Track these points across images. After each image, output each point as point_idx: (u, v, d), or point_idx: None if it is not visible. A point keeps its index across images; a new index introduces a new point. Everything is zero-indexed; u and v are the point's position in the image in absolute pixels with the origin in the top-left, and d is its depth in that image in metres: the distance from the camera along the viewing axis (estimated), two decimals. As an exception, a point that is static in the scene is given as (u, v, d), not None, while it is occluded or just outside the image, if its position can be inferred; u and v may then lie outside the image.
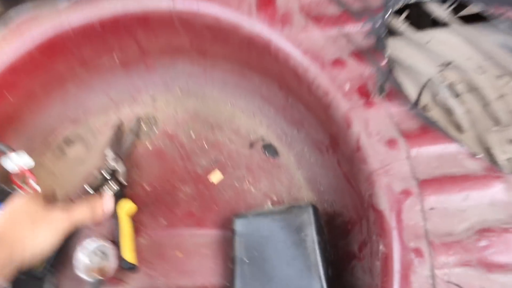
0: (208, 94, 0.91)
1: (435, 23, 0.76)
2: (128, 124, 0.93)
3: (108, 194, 0.76)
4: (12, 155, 0.78)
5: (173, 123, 0.90)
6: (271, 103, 0.86)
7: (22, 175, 0.80)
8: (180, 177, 0.84)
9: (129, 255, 0.76)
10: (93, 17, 0.82)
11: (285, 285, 0.67)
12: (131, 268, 0.76)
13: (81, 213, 0.67)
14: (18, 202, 0.63)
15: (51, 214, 0.64)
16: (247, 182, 0.82)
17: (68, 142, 0.94)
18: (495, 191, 0.55)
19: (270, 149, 0.86)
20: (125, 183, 0.82)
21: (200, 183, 0.84)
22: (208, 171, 0.84)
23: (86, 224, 0.74)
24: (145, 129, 0.91)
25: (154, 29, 0.84)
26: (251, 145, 0.86)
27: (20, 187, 0.78)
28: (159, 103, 0.93)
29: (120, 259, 0.75)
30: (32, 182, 0.80)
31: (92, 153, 0.91)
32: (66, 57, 0.88)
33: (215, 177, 0.84)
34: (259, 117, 0.89)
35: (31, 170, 0.80)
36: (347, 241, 0.74)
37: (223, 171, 0.84)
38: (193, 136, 0.87)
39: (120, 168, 0.83)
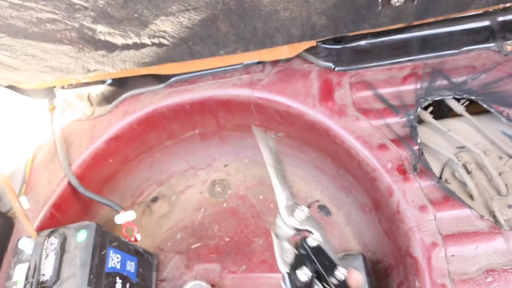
0: (271, 163, 1.26)
1: (450, 110, 1.12)
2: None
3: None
4: (122, 213, 1.12)
5: (244, 186, 1.24)
6: (324, 173, 1.21)
7: (127, 227, 1.13)
8: (252, 231, 1.18)
9: None
10: (185, 99, 1.18)
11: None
12: None
13: None
14: None
15: None
16: (307, 235, 1.16)
17: (154, 199, 1.28)
18: (497, 242, 0.87)
19: (324, 209, 1.20)
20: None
21: (270, 236, 1.16)
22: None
23: None
24: (219, 190, 1.26)
25: (232, 110, 1.20)
26: (309, 206, 1.21)
27: (127, 237, 1.11)
28: (230, 169, 1.28)
29: None
30: (135, 233, 1.13)
31: (174, 209, 1.25)
32: (158, 130, 1.24)
33: (281, 231, 1.17)
34: (314, 184, 1.24)
35: (132, 221, 1.13)
36: (387, 282, 1.06)
37: (287, 226, 1.17)
38: (261, 198, 1.21)
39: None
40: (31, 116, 1.29)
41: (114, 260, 1.02)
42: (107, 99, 1.24)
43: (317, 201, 1.22)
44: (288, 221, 0.62)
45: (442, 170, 1.04)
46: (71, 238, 0.99)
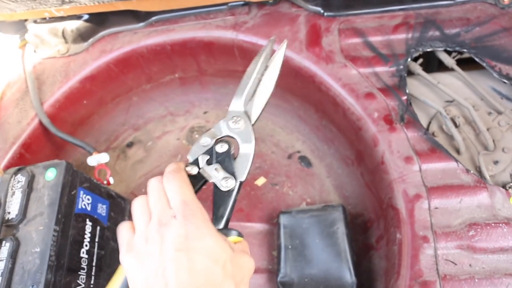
0: (252, 111, 1.21)
1: (440, 65, 1.08)
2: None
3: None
4: (95, 155, 1.06)
5: (223, 134, 1.18)
6: (307, 123, 1.16)
7: (99, 169, 1.07)
8: (230, 179, 1.13)
9: None
10: (166, 39, 1.11)
11: (321, 266, 0.95)
12: None
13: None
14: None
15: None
16: (286, 186, 1.12)
17: (129, 144, 1.22)
18: (481, 197, 0.83)
19: (305, 161, 1.15)
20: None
21: (248, 186, 1.12)
22: (254, 176, 1.13)
23: None
24: (198, 137, 1.20)
25: (215, 54, 1.13)
26: (289, 156, 1.16)
27: (100, 180, 1.05)
28: (210, 116, 1.22)
29: None
30: (108, 176, 1.07)
31: (150, 155, 1.20)
32: (136, 72, 1.17)
33: (260, 181, 1.13)
34: (296, 134, 1.18)
35: (106, 164, 1.07)
36: (366, 236, 1.03)
37: (266, 177, 1.13)
38: (241, 146, 1.16)
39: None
40: (0, 52, 1.21)
41: (84, 201, 0.96)
42: (83, 36, 1.16)
43: (298, 152, 1.17)
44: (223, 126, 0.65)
45: (430, 123, 0.99)
46: (40, 176, 0.93)
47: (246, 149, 0.63)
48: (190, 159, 0.63)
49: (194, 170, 0.62)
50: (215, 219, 0.60)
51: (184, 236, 0.52)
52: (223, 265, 0.52)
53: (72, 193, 0.93)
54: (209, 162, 0.62)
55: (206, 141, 0.64)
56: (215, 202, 0.61)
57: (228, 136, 0.65)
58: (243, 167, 0.62)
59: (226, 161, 0.62)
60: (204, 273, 0.50)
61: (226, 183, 0.60)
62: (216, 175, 0.61)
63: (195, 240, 0.52)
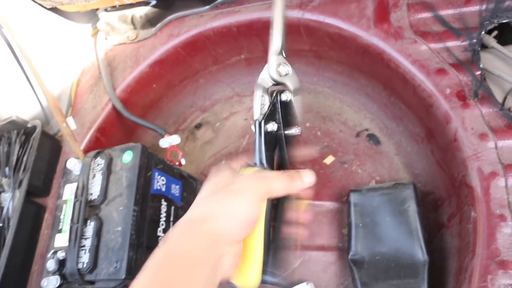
0: (319, 90, 1.21)
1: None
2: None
3: (309, 170, 0.68)
4: (167, 137, 1.10)
5: (289, 113, 1.20)
6: (375, 101, 1.16)
7: (171, 151, 1.11)
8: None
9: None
10: (231, 21, 1.13)
11: (392, 245, 0.96)
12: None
13: (277, 182, 0.62)
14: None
15: (244, 182, 0.60)
16: (355, 164, 1.12)
17: (198, 126, 1.26)
18: None
19: (373, 138, 1.15)
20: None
21: (316, 164, 1.14)
22: (322, 155, 1.14)
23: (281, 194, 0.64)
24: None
25: (280, 34, 1.14)
26: (357, 134, 1.16)
27: (172, 161, 1.10)
28: (276, 96, 1.23)
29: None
30: (180, 157, 1.11)
31: (218, 136, 1.23)
32: (203, 54, 1.19)
33: (328, 159, 1.14)
34: (364, 112, 1.18)
35: (177, 146, 1.11)
36: (437, 214, 1.02)
37: (334, 155, 1.14)
38: (308, 125, 1.17)
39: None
40: (75, 41, 1.27)
41: (159, 182, 1.00)
42: (151, 21, 1.19)
43: (366, 129, 1.17)
44: (273, 73, 0.67)
45: (505, 98, 0.96)
46: (117, 159, 0.98)
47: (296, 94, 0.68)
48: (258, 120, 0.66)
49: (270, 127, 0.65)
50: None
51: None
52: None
53: (148, 174, 0.98)
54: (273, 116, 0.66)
55: (264, 98, 0.67)
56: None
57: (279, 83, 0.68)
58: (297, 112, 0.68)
59: (288, 110, 0.67)
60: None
61: (292, 130, 0.66)
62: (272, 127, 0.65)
63: None
